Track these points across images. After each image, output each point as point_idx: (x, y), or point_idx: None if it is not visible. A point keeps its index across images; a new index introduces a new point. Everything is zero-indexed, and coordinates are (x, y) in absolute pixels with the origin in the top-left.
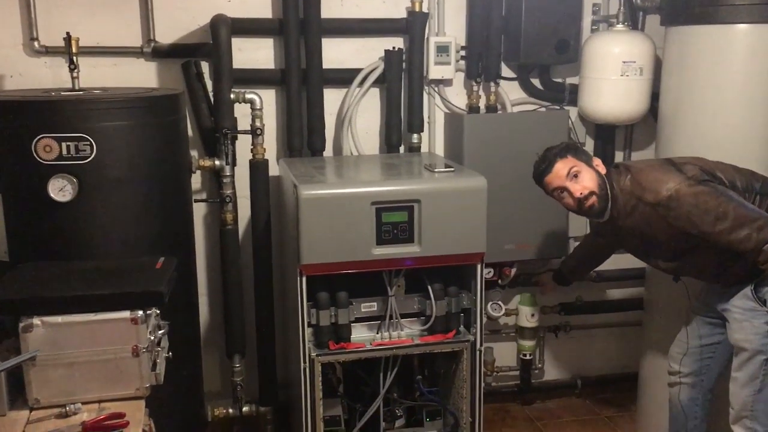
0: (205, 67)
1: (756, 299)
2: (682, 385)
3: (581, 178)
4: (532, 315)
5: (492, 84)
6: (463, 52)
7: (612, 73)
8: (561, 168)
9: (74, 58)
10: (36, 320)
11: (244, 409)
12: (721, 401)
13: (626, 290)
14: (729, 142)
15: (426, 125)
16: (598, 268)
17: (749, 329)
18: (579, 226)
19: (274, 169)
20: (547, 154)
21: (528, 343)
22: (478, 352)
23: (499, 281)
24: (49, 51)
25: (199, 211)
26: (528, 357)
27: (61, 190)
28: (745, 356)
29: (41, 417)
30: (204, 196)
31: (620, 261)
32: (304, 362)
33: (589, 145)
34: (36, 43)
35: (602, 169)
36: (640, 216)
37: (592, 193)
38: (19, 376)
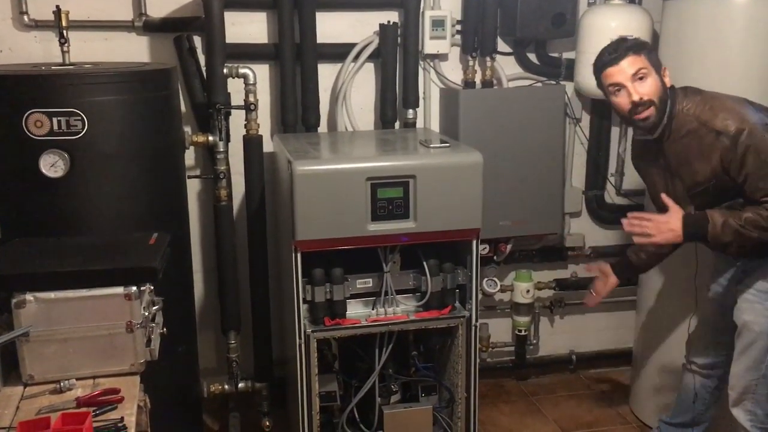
0: (197, 41)
1: None
2: (696, 374)
3: (646, 83)
4: (527, 291)
5: (488, 59)
6: (458, 27)
7: None
8: (630, 64)
9: (64, 32)
10: (29, 296)
11: (240, 385)
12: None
13: None
14: None
15: (421, 100)
16: (594, 244)
17: (760, 311)
18: (574, 202)
19: (268, 145)
20: (620, 45)
21: (523, 319)
22: (473, 328)
23: (495, 257)
24: (38, 25)
25: (192, 187)
26: (523, 333)
27: (52, 165)
28: (750, 338)
29: (35, 393)
30: (198, 172)
31: (614, 236)
32: (300, 338)
33: (586, 121)
34: (25, 17)
35: (668, 82)
36: (693, 142)
37: (651, 102)
38: (12, 353)
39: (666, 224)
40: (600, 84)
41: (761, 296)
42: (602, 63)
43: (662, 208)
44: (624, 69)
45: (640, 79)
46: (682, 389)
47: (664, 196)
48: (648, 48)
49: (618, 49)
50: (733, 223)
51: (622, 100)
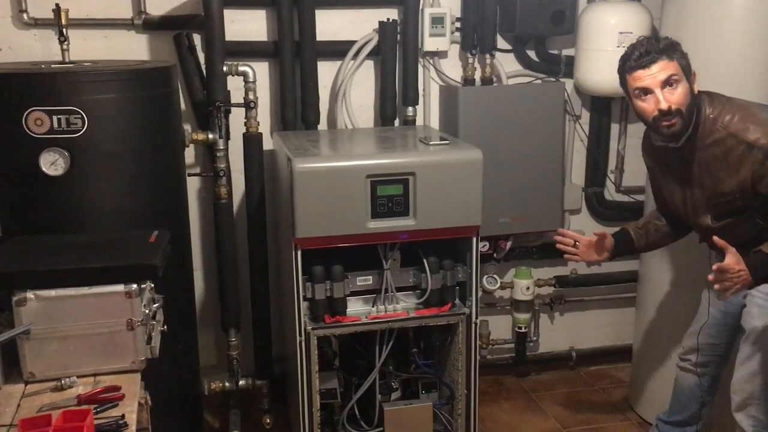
0: (197, 39)
1: None
2: (692, 372)
3: (677, 91)
4: (528, 288)
5: (487, 56)
6: (458, 24)
7: (608, 44)
8: (662, 69)
9: (64, 30)
10: (29, 294)
11: (241, 382)
12: (722, 388)
13: (621, 263)
14: None
15: (421, 98)
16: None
17: None
18: (574, 199)
19: (268, 143)
20: (652, 47)
21: (523, 316)
22: (473, 325)
23: (495, 254)
24: (38, 23)
25: (192, 185)
26: (523, 330)
27: (52, 164)
28: (761, 343)
29: (37, 390)
30: (197, 170)
31: None
32: (300, 336)
33: (585, 118)
34: (25, 15)
35: (696, 88)
36: (723, 151)
37: (679, 111)
38: (13, 350)
39: (738, 276)
40: (624, 85)
41: None
42: (631, 64)
43: (664, 204)
44: (655, 74)
45: (671, 85)
46: (676, 388)
47: (717, 239)
48: (681, 51)
49: (650, 51)
50: None
51: (648, 106)
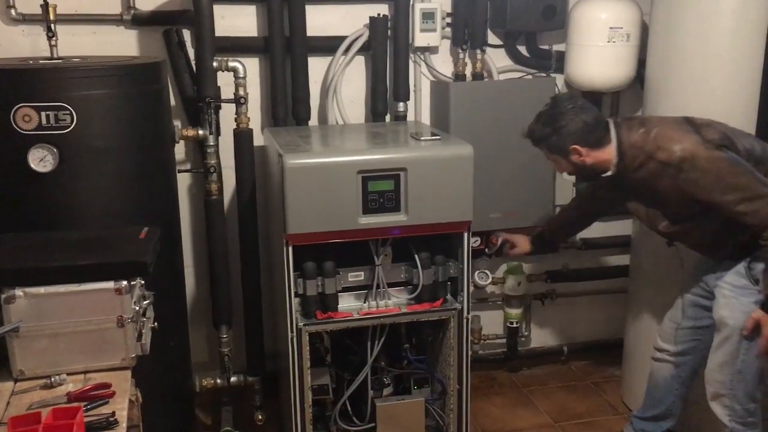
0: (186, 35)
1: (749, 277)
2: (668, 363)
3: (559, 165)
4: (519, 283)
5: (478, 51)
6: (448, 19)
7: (599, 40)
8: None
9: (52, 26)
10: (18, 291)
11: (232, 379)
12: (700, 379)
13: (612, 257)
14: (715, 108)
15: (412, 93)
16: (585, 236)
17: (737, 306)
18: (565, 194)
19: (258, 139)
20: (532, 132)
21: (515, 311)
22: (465, 320)
23: (486, 250)
24: (26, 19)
25: (183, 181)
26: (515, 325)
27: (41, 160)
28: (726, 333)
29: (26, 388)
30: (188, 166)
31: (606, 228)
32: (292, 332)
33: None
34: (13, 11)
35: (579, 157)
36: (648, 173)
37: (573, 173)
38: (2, 348)
39: None
40: None
41: (737, 292)
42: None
43: (590, 200)
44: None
45: (553, 161)
46: (651, 382)
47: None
48: (546, 140)
49: (530, 135)
50: None
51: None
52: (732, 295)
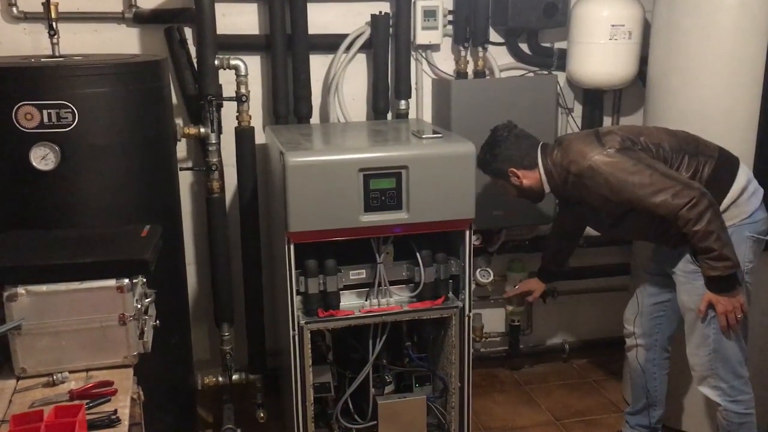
0: (188, 33)
1: (695, 261)
2: (638, 347)
3: (503, 190)
4: (521, 281)
5: (480, 49)
6: (450, 17)
7: (601, 37)
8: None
9: (54, 23)
10: (20, 289)
11: (234, 377)
12: (681, 361)
13: (613, 256)
14: (716, 105)
15: (413, 91)
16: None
17: (692, 291)
18: None
19: (260, 137)
20: (478, 161)
21: (516, 309)
22: (466, 318)
23: (488, 248)
24: (28, 17)
25: (185, 179)
26: (516, 323)
27: (43, 158)
28: (692, 317)
29: (28, 386)
30: (189, 164)
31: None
32: (293, 330)
33: (578, 111)
34: (14, 9)
35: (518, 179)
36: (572, 185)
37: (508, 192)
38: (5, 346)
39: (724, 303)
40: None
41: (689, 276)
42: None
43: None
44: None
45: (501, 186)
46: (631, 373)
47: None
48: (488, 166)
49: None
50: (714, 255)
51: None
52: (686, 280)
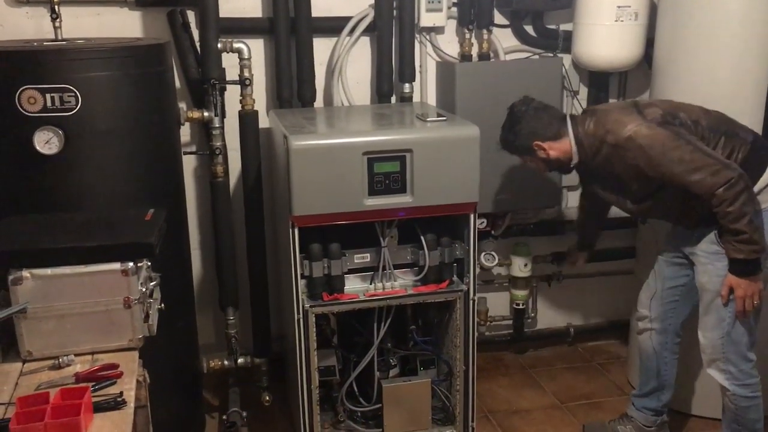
0: (191, 16)
1: (719, 243)
2: (652, 330)
3: (532, 167)
4: (525, 265)
5: (484, 31)
6: None
7: (606, 19)
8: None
9: (56, 7)
10: (25, 273)
11: (239, 360)
12: (689, 345)
13: (618, 239)
14: (722, 87)
15: (417, 74)
16: None
17: (713, 272)
18: (571, 176)
19: (264, 121)
20: (502, 142)
21: (521, 293)
22: (471, 302)
23: (492, 231)
24: (30, 1)
25: (188, 163)
26: (521, 306)
27: (47, 142)
28: (709, 298)
29: (34, 369)
30: (193, 148)
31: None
32: (298, 313)
33: (583, 93)
34: None
35: (544, 152)
36: (604, 158)
37: (544, 169)
38: (10, 329)
39: (744, 287)
40: None
41: (711, 257)
42: None
43: (591, 193)
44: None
45: (527, 162)
46: (642, 356)
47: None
48: (512, 145)
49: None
50: (743, 237)
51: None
52: (707, 262)
